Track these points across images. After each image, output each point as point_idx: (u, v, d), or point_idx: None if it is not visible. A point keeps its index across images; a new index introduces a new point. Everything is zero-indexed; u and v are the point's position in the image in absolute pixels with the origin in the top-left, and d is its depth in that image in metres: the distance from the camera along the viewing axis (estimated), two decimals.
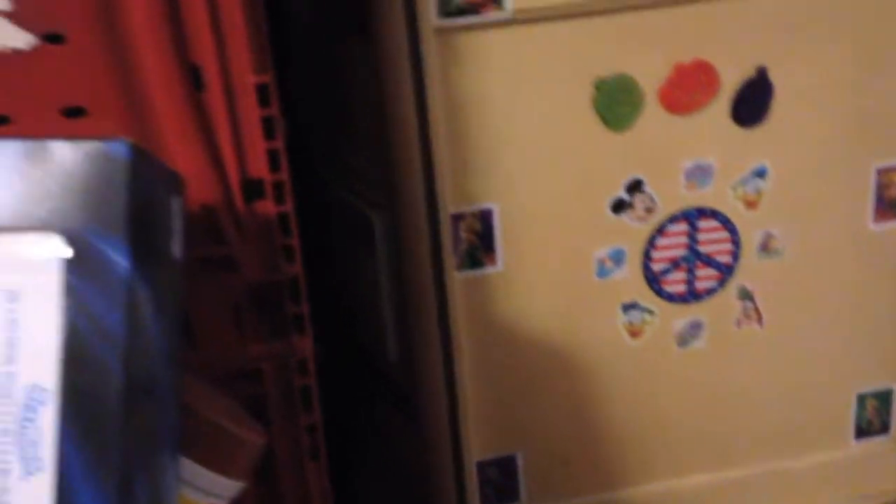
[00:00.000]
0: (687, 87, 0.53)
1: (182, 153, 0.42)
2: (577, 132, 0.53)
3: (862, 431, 0.63)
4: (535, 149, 0.53)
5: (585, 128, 0.53)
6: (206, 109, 0.42)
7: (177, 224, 0.37)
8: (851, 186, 0.58)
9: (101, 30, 0.40)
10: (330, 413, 0.51)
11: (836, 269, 0.59)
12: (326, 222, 0.65)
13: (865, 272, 0.60)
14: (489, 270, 0.55)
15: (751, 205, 0.57)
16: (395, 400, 0.62)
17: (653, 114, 0.54)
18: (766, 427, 0.62)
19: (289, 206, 0.45)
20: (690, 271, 0.57)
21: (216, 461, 0.37)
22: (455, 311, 0.55)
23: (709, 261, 0.58)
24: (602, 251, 0.56)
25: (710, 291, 0.58)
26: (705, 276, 0.58)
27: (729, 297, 0.58)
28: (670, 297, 0.58)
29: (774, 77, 0.54)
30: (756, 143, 0.55)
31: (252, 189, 0.44)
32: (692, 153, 0.55)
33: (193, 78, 0.42)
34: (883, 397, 0.63)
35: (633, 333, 0.58)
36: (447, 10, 0.49)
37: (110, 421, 0.31)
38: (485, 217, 0.54)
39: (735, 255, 0.58)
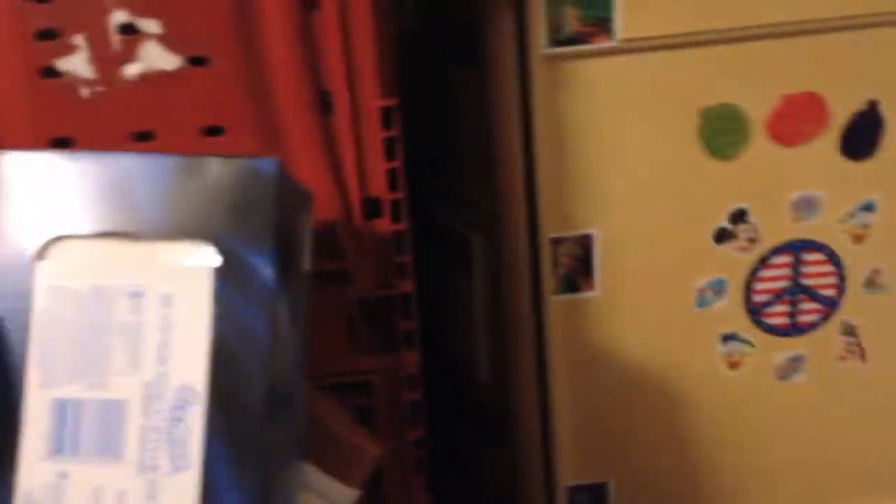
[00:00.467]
0: (795, 119, 0.53)
1: (308, 172, 0.44)
2: (681, 160, 0.53)
3: None
4: (638, 175, 0.54)
5: (690, 156, 0.53)
6: (333, 132, 0.44)
7: (307, 239, 0.39)
8: None
9: (241, 54, 0.42)
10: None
11: None
12: (423, 240, 0.67)
13: None
14: (587, 295, 0.55)
15: (858, 239, 0.56)
16: (483, 419, 0.63)
17: (759, 144, 0.53)
18: (864, 465, 0.60)
19: (404, 224, 0.46)
20: (793, 304, 0.57)
21: (338, 469, 0.38)
22: (551, 335, 0.55)
23: (813, 294, 0.57)
24: (702, 281, 0.56)
25: (812, 325, 0.57)
26: (809, 310, 0.57)
27: (832, 331, 0.57)
28: (771, 330, 0.57)
29: (885, 111, 0.53)
30: (865, 177, 0.55)
31: (371, 207, 0.46)
32: (799, 185, 0.55)
33: (323, 103, 0.44)
34: None
35: (732, 365, 0.58)
36: (557, 40, 0.51)
37: (254, 424, 0.32)
38: (585, 242, 0.54)
39: (840, 290, 0.57)
